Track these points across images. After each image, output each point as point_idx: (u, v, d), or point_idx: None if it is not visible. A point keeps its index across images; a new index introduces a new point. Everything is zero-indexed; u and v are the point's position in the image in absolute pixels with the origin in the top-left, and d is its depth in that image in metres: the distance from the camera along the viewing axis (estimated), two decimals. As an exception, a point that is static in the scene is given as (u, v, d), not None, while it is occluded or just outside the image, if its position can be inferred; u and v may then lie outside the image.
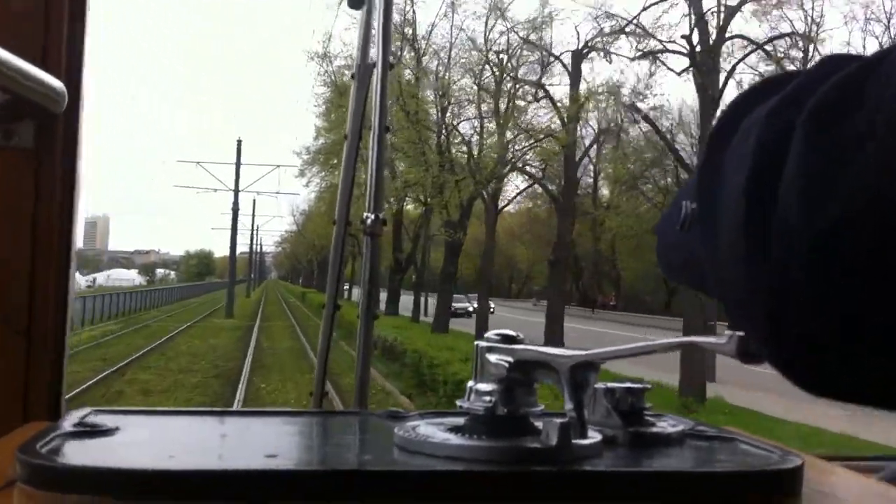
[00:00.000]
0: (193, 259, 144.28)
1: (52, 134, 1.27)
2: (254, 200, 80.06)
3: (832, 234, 0.40)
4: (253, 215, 76.73)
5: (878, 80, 0.39)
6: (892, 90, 0.38)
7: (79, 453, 0.89)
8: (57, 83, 1.20)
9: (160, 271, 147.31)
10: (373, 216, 1.69)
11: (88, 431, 0.97)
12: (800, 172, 0.42)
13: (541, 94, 31.82)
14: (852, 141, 0.39)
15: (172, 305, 59.76)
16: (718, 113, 0.62)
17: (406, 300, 40.36)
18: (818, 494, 0.88)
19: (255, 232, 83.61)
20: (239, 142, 51.36)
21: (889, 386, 0.42)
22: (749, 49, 25.63)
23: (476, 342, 0.97)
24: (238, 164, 50.57)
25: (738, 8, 24.55)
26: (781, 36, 25.96)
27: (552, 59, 31.73)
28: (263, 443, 1.00)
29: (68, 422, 1.00)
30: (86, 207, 1.32)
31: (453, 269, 31.91)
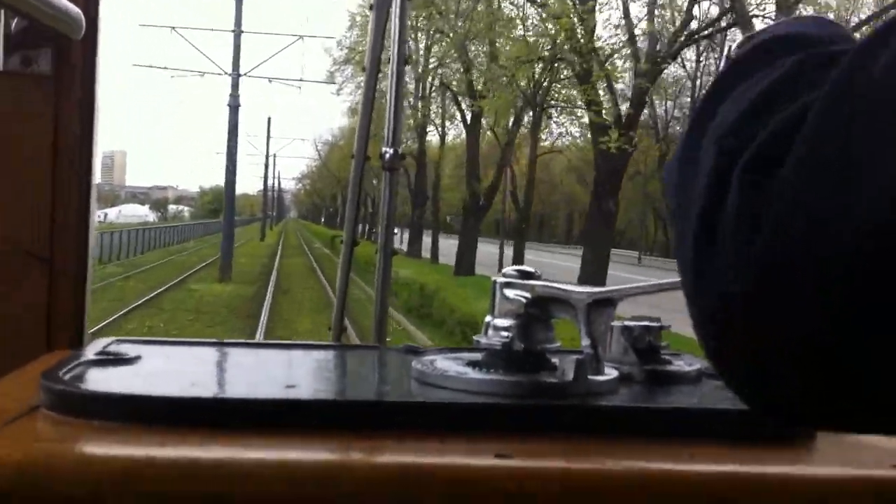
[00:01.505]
0: (208, 195, 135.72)
1: (70, 60, 1.27)
2: (269, 119, 61.02)
3: (762, 277, 0.42)
4: (268, 136, 60.24)
5: (795, 149, 0.41)
6: (804, 161, 0.41)
7: (102, 380, 0.91)
8: (74, 9, 1.20)
9: (172, 207, 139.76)
10: (391, 151, 1.68)
11: (111, 359, 0.98)
12: (733, 214, 0.44)
13: None
14: (774, 198, 0.41)
15: (166, 250, 42.47)
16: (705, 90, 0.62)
17: (485, 251, 27.89)
18: (832, 436, 0.89)
19: (270, 160, 68.26)
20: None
21: (824, 406, 0.44)
22: None
23: (494, 278, 0.98)
24: (238, 31, 28.43)
25: None
26: None
27: None
28: (283, 374, 1.01)
29: (91, 350, 1.02)
30: (103, 141, 1.32)
31: (612, 207, 18.80)
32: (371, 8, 1.75)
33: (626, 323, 1.04)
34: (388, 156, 1.68)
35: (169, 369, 1.00)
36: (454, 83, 27.45)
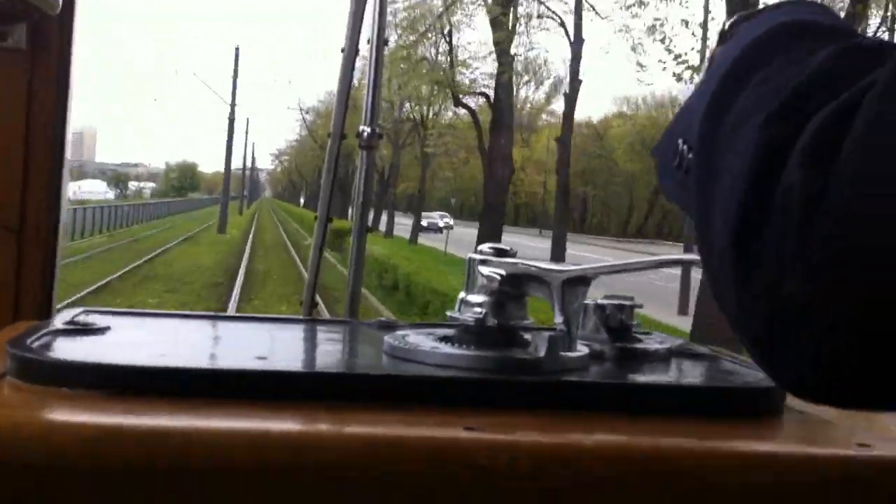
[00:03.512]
0: (174, 171, 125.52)
1: (47, 36, 1.27)
2: (236, 49, 48.16)
3: (823, 269, 0.42)
4: (235, 69, 45.96)
5: (856, 127, 0.42)
6: (861, 144, 0.41)
7: (70, 349, 0.90)
8: None
9: (133, 184, 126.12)
10: (369, 129, 1.69)
11: (80, 329, 0.97)
12: (794, 195, 0.43)
13: None
14: (836, 178, 0.42)
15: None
16: (723, 51, 0.63)
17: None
18: (800, 413, 0.90)
19: (242, 122, 63.19)
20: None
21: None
22: None
23: (469, 255, 0.98)
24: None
25: None
26: None
27: None
28: (254, 346, 1.00)
29: (59, 320, 1.01)
30: (74, 117, 1.32)
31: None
32: None
33: (599, 301, 1.05)
34: (365, 134, 1.68)
35: (138, 339, 0.99)
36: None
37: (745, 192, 0.46)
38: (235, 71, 45.31)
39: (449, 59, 25.70)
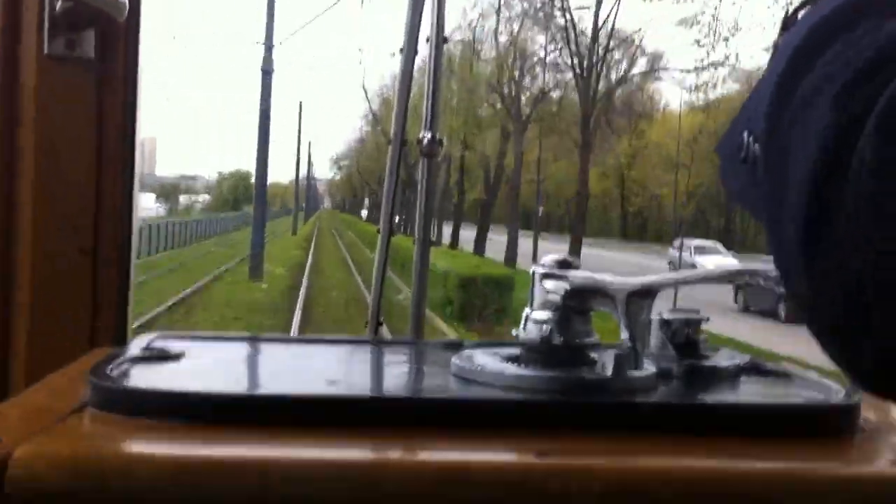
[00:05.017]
0: (228, 181, 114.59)
1: (114, 43, 1.26)
2: None
3: None
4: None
5: None
6: None
7: (148, 378, 0.92)
8: None
9: (184, 198, 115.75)
10: (429, 135, 1.66)
11: (156, 356, 1.00)
12: (869, 181, 0.42)
13: None
14: None
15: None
16: (787, 37, 0.61)
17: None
18: (874, 432, 0.88)
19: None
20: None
21: None
22: None
23: (533, 268, 0.98)
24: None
25: None
26: None
27: None
28: (324, 370, 1.02)
29: (136, 346, 1.03)
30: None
31: None
32: None
33: (665, 316, 1.03)
34: (426, 141, 1.66)
35: (213, 366, 1.01)
36: None
37: (819, 167, 0.45)
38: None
39: None
